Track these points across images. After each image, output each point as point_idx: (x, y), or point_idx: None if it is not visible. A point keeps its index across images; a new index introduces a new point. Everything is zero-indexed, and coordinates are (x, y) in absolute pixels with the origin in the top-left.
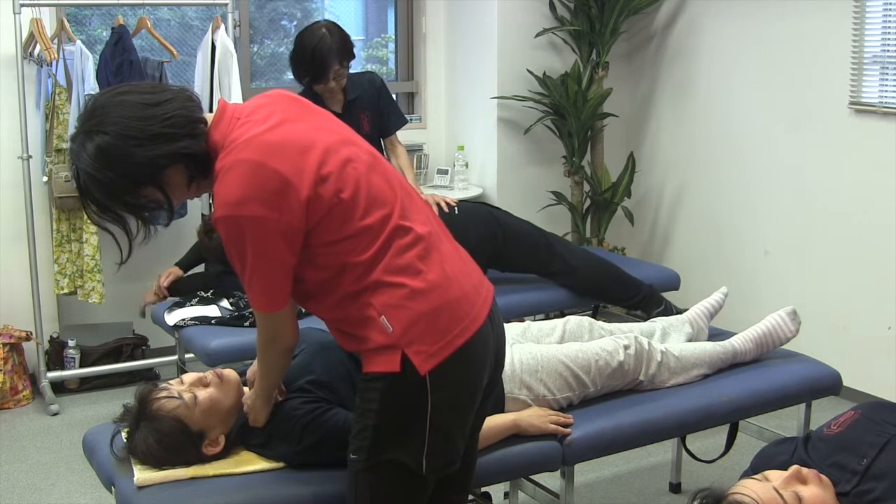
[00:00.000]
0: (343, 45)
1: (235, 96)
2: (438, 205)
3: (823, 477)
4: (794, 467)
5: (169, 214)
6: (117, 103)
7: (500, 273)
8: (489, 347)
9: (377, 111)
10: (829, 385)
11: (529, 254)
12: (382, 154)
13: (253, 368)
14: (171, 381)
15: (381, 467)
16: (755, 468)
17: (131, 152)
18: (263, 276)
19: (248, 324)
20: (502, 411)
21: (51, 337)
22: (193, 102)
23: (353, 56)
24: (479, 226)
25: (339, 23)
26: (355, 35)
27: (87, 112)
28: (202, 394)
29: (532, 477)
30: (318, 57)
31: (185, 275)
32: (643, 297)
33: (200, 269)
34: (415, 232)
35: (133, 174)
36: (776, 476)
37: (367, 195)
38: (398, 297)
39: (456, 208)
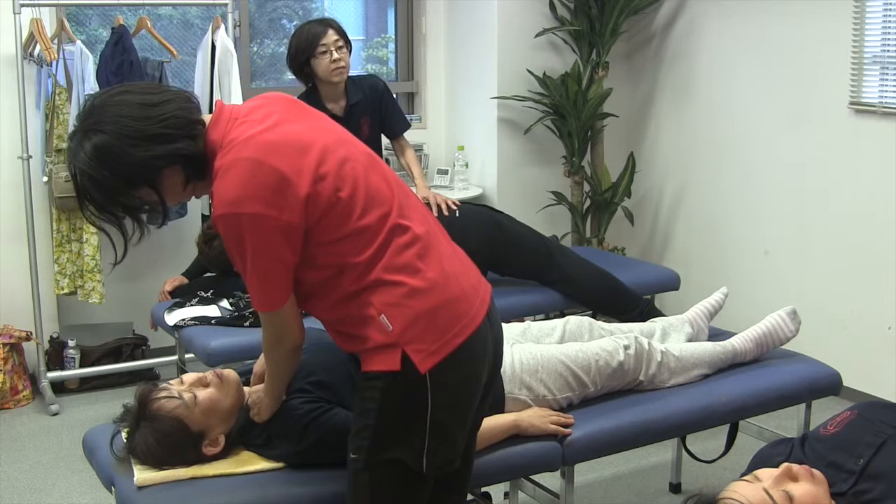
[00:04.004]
0: (339, 24)
1: (235, 96)
2: (440, 206)
3: (816, 472)
4: (785, 465)
5: (163, 216)
6: (116, 103)
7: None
8: (488, 346)
9: (378, 116)
10: (829, 385)
11: (529, 260)
12: (381, 157)
13: (261, 363)
14: (171, 381)
15: (381, 467)
16: (752, 470)
17: (128, 152)
18: (263, 274)
19: (248, 324)
20: (502, 411)
21: (51, 337)
22: (192, 104)
23: (350, 41)
24: (479, 228)
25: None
26: (355, 35)
27: (85, 111)
28: (202, 394)
29: (532, 477)
30: (309, 27)
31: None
32: (640, 312)
33: None
34: (413, 231)
35: (129, 174)
36: (767, 476)
37: (366, 194)
38: (398, 296)
39: (457, 210)
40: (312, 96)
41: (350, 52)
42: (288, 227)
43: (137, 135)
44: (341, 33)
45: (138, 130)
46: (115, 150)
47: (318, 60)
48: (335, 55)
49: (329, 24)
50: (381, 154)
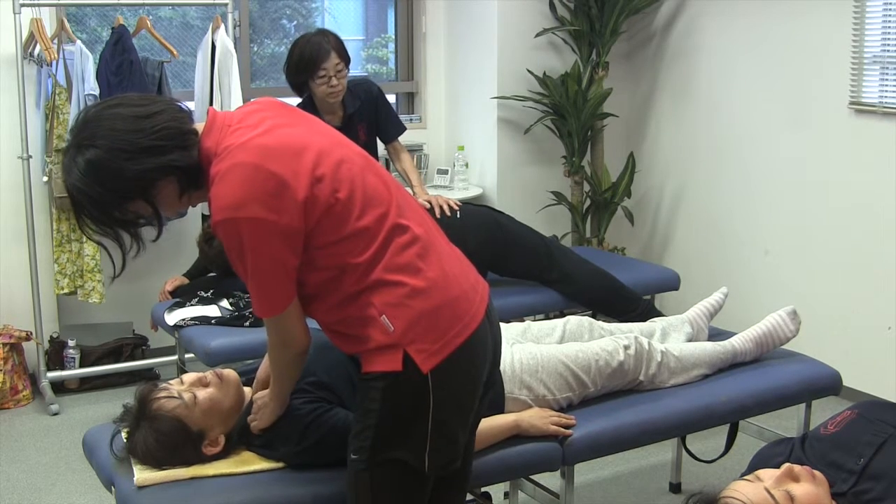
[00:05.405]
0: (339, 43)
1: (235, 96)
2: (441, 207)
3: (817, 473)
4: (786, 465)
5: (158, 229)
6: (109, 116)
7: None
8: (487, 345)
9: (374, 120)
10: (829, 385)
11: (529, 260)
12: (378, 161)
13: (265, 368)
14: (171, 381)
15: (383, 467)
16: (752, 469)
17: (122, 166)
18: (264, 278)
19: (248, 324)
20: (502, 412)
21: (51, 337)
22: (184, 113)
23: (349, 59)
24: (479, 228)
25: (337, 24)
26: (355, 35)
27: (77, 125)
28: (202, 394)
29: (532, 477)
30: (311, 45)
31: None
32: (640, 312)
33: None
34: (412, 231)
35: (123, 188)
36: (768, 476)
37: (363, 195)
38: (399, 296)
39: (458, 211)
40: (310, 108)
41: (349, 67)
42: (287, 230)
43: (130, 148)
44: (342, 54)
45: (131, 143)
46: (108, 165)
47: (315, 83)
48: (333, 81)
49: (331, 43)
50: (377, 158)
